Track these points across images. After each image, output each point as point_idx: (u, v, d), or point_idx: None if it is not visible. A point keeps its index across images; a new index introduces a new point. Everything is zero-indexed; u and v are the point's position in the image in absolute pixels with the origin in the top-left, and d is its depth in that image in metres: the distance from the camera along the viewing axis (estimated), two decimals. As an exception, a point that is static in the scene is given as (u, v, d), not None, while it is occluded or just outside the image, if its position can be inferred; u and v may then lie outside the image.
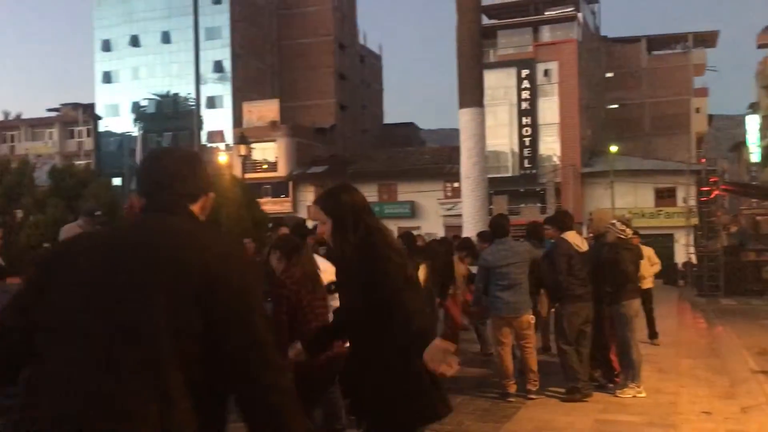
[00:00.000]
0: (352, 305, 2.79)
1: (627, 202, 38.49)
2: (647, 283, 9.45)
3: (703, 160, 44.33)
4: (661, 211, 39.92)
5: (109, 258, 1.63)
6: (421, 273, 6.94)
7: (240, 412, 1.61)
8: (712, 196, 21.90)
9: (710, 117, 58.58)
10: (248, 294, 1.64)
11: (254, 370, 1.59)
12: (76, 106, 55.31)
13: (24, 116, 57.32)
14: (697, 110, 52.53)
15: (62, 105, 57.50)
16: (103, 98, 54.27)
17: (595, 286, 6.62)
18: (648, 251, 9.72)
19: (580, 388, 6.41)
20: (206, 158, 41.95)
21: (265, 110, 48.64)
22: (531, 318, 6.60)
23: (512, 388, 6.52)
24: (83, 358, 1.53)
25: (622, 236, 6.73)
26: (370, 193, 43.68)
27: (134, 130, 50.25)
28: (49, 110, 58.85)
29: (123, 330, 1.54)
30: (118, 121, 53.23)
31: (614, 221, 7.01)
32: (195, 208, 1.81)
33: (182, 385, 1.54)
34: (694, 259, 25.99)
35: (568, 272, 6.41)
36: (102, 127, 54.05)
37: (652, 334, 10.02)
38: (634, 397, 6.50)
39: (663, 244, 33.98)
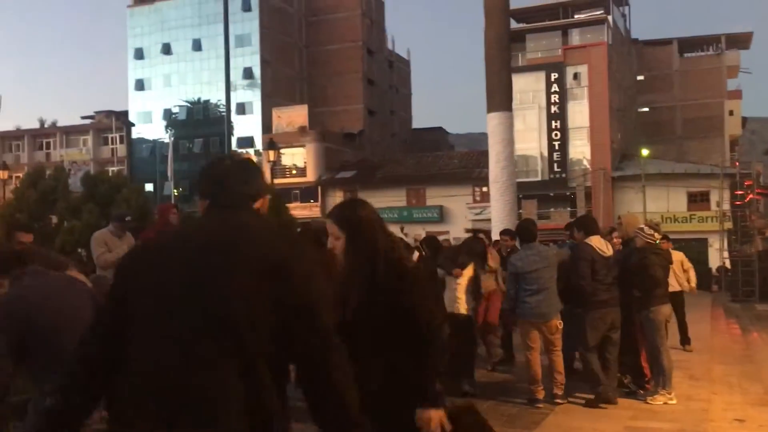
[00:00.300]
0: (372, 320, 2.66)
1: (659, 206, 37.96)
2: (677, 287, 9.29)
3: (737, 164, 43.46)
4: (694, 215, 39.27)
5: (189, 254, 1.76)
6: (469, 271, 7.06)
7: (303, 388, 1.76)
8: (747, 199, 21.50)
9: (744, 119, 57.55)
10: (312, 281, 1.78)
11: (318, 352, 1.74)
12: (109, 113, 56.33)
13: (59, 124, 58.51)
14: (731, 113, 51.63)
15: (96, 112, 58.61)
16: (135, 105, 55.17)
17: (623, 291, 6.57)
18: (678, 256, 9.58)
19: (602, 395, 6.36)
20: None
21: (294, 116, 48.99)
22: (559, 323, 6.56)
23: (540, 394, 6.49)
24: (172, 351, 1.66)
25: (650, 240, 6.66)
26: (398, 197, 43.76)
27: (166, 137, 50.95)
28: (84, 118, 60.08)
29: (208, 320, 1.66)
30: (150, 128, 54.04)
31: (642, 226, 6.96)
32: (255, 206, 1.97)
33: (265, 370, 1.69)
34: (728, 264, 25.54)
35: (592, 277, 6.37)
36: (135, 134, 54.92)
37: (684, 340, 9.87)
38: (665, 404, 6.42)
39: (696, 249, 33.44)
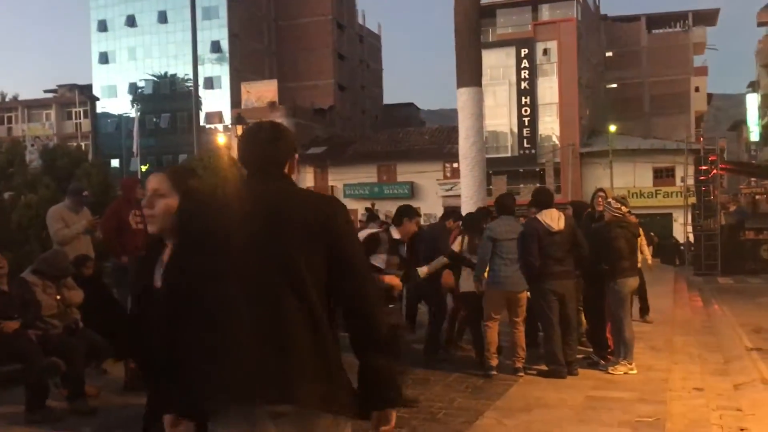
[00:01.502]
0: None
1: (626, 181, 38.44)
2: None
3: (702, 140, 44.19)
4: (659, 190, 39.88)
5: (248, 215, 2.03)
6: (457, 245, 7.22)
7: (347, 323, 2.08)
8: (711, 175, 21.84)
9: (710, 96, 58.32)
10: (351, 233, 2.16)
11: (359, 289, 2.06)
12: (73, 87, 55.09)
13: (21, 97, 57.14)
14: (697, 89, 52.29)
15: (59, 86, 57.28)
16: (100, 79, 54.03)
17: (593, 263, 6.71)
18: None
19: (554, 372, 6.49)
20: (204, 139, 41.85)
21: (263, 91, 48.44)
22: (528, 295, 6.66)
23: (495, 361, 6.59)
24: (257, 308, 1.94)
25: (617, 214, 6.75)
26: (369, 173, 43.68)
27: (132, 112, 50.06)
28: (47, 91, 58.65)
29: (285, 279, 1.96)
30: (115, 102, 53.03)
31: (609, 200, 7.02)
32: (286, 169, 2.21)
33: (324, 313, 2.00)
34: (692, 238, 25.99)
35: (540, 252, 6.46)
36: (99, 108, 53.86)
37: (644, 310, 10.01)
38: (626, 374, 6.53)
39: (661, 224, 34.03)
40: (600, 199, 7.32)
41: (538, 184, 39.88)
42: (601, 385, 6.23)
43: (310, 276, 1.97)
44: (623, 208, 6.84)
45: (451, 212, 8.79)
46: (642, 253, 9.22)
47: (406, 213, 6.34)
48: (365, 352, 2.05)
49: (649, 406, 5.49)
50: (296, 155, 2.29)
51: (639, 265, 8.76)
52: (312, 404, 1.93)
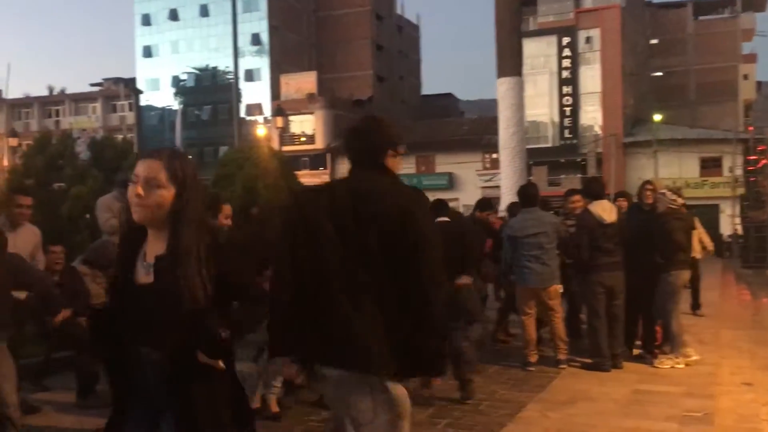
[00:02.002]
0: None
1: (671, 172, 37.63)
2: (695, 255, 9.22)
3: (751, 129, 42.99)
4: (706, 181, 38.93)
5: (340, 204, 2.44)
6: None
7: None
8: (760, 165, 21.22)
9: (759, 84, 56.71)
10: (427, 225, 2.50)
11: (427, 276, 2.42)
12: (117, 80, 56.17)
13: (68, 91, 58.43)
14: (745, 77, 50.83)
15: (104, 80, 58.45)
16: (143, 72, 54.97)
17: (644, 256, 6.52)
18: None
19: (598, 365, 6.39)
20: (244, 131, 42.22)
21: (302, 82, 48.68)
22: (559, 287, 6.53)
23: (533, 358, 6.51)
24: (343, 279, 2.39)
25: (672, 205, 6.57)
26: (407, 164, 43.61)
27: (174, 104, 50.86)
28: (92, 85, 59.93)
29: (359, 255, 2.37)
30: (158, 95, 53.91)
31: (664, 191, 6.82)
32: (386, 161, 2.51)
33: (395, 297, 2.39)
34: (740, 230, 25.35)
35: (590, 244, 6.32)
36: (143, 101, 54.80)
37: (695, 305, 9.84)
38: (672, 368, 6.41)
39: (708, 215, 33.24)
40: (648, 192, 7.01)
41: (579, 175, 39.35)
42: (646, 379, 6.13)
43: (384, 265, 2.38)
44: (679, 200, 6.65)
45: (486, 203, 8.24)
46: (703, 243, 9.05)
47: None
48: (417, 335, 2.42)
49: (696, 401, 5.38)
50: (393, 149, 2.53)
51: (699, 256, 8.58)
52: (362, 367, 2.39)
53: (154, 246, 2.21)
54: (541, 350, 6.82)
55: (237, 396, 2.26)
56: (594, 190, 6.76)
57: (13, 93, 64.13)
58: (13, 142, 32.53)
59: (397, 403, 2.46)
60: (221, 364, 2.13)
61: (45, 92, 58.94)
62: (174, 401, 2.15)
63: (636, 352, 6.88)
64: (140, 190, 2.14)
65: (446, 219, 5.87)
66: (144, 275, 2.21)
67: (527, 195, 6.65)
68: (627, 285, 6.56)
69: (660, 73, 47.45)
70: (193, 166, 2.30)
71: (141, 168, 2.20)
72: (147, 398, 2.21)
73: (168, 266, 2.14)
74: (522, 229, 6.42)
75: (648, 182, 7.22)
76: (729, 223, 36.04)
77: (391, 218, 2.38)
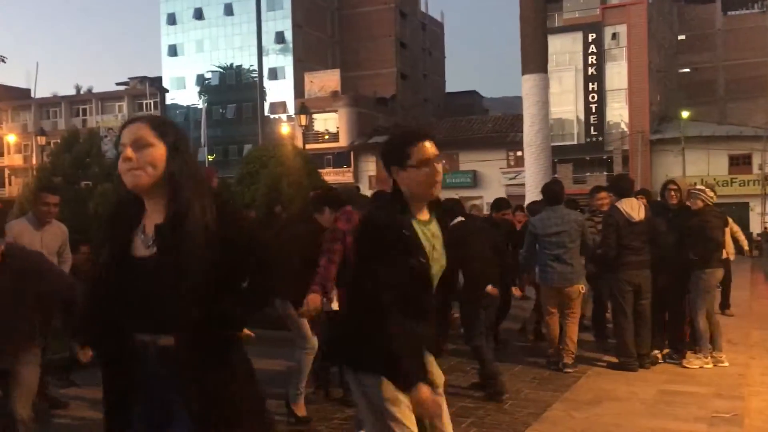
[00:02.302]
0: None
1: (699, 169, 37.09)
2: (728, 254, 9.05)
3: (782, 125, 42.16)
4: (735, 179, 38.30)
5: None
6: None
7: None
8: (791, 162, 20.80)
9: (790, 80, 55.50)
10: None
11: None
12: (143, 79, 56.72)
13: (94, 90, 59.18)
14: (776, 73, 49.83)
15: (130, 78, 59.06)
16: (169, 71, 55.46)
17: (679, 254, 6.41)
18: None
19: (625, 365, 6.31)
20: (268, 129, 42.35)
21: (326, 80, 48.78)
22: (582, 287, 6.45)
23: (569, 359, 6.40)
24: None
25: (710, 202, 6.43)
26: (431, 162, 43.44)
27: (199, 103, 51.26)
28: (118, 84, 60.63)
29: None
30: (183, 93, 54.36)
31: (702, 187, 6.70)
32: (398, 178, 2.55)
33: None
34: (769, 229, 24.93)
35: (617, 242, 6.25)
36: (168, 99, 55.31)
37: (725, 305, 9.68)
38: (701, 368, 6.30)
39: (737, 213, 32.69)
40: (672, 192, 6.76)
41: (605, 173, 38.94)
42: (674, 379, 6.04)
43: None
44: (714, 197, 6.54)
45: (502, 203, 7.86)
46: (739, 242, 8.89)
47: (328, 201, 4.94)
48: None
49: (725, 402, 5.29)
50: (398, 164, 2.54)
51: (732, 257, 8.43)
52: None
53: (153, 216, 2.01)
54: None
55: (254, 390, 2.06)
56: (622, 187, 6.66)
57: (41, 92, 65.17)
58: (42, 140, 33.06)
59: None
60: (247, 331, 1.99)
61: (72, 91, 59.81)
62: (188, 396, 1.91)
63: (665, 351, 6.72)
64: (129, 153, 1.96)
65: (462, 219, 5.95)
66: (144, 249, 1.99)
67: (552, 192, 6.56)
68: (654, 284, 6.46)
69: (688, 70, 46.73)
70: (180, 129, 2.13)
71: (126, 134, 2.01)
72: (151, 395, 1.98)
73: (171, 235, 1.92)
74: (545, 227, 6.35)
75: (671, 181, 6.99)
76: (758, 221, 35.44)
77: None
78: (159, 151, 1.98)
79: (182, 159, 2.01)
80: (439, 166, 2.56)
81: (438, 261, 2.56)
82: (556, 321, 6.52)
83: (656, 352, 6.59)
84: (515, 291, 6.88)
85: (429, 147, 2.55)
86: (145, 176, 1.97)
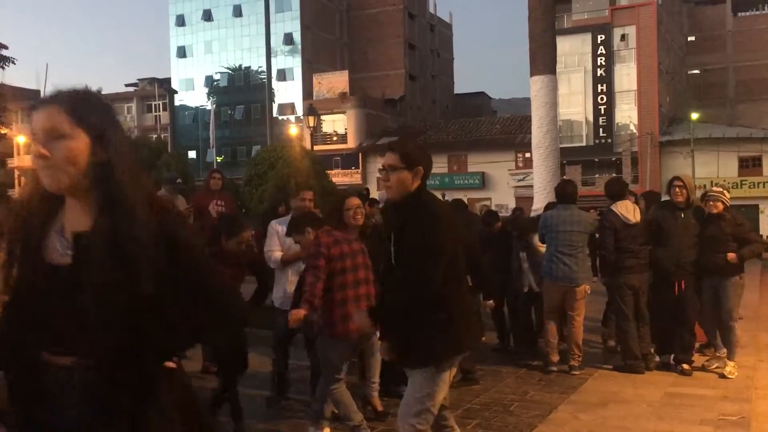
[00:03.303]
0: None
1: (708, 171, 36.92)
2: None
3: (793, 127, 41.89)
4: (745, 180, 38.09)
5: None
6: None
7: None
8: (802, 164, 20.66)
9: (801, 81, 55.14)
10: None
11: None
12: (152, 80, 56.93)
13: (104, 91, 59.43)
14: (787, 74, 49.52)
15: (139, 80, 59.30)
16: (178, 72, 55.64)
17: (703, 257, 6.19)
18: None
19: (630, 367, 6.28)
20: (276, 130, 42.46)
21: (334, 82, 48.82)
22: (587, 288, 6.44)
23: (555, 358, 6.41)
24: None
25: (728, 204, 6.28)
26: (440, 163, 43.44)
27: (208, 104, 51.40)
28: (128, 85, 60.88)
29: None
30: (192, 95, 54.54)
31: (720, 188, 6.49)
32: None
33: None
34: (779, 231, 24.80)
35: (615, 245, 6.22)
36: (177, 101, 55.50)
37: None
38: (718, 370, 6.21)
39: (747, 216, 32.42)
40: (677, 189, 6.32)
41: (614, 174, 38.81)
42: (681, 382, 6.02)
43: None
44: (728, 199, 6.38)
45: (494, 217, 7.66)
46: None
47: (310, 222, 4.82)
48: None
49: (733, 405, 5.27)
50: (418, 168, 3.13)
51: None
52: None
53: (74, 216, 1.65)
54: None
55: (192, 408, 1.74)
56: (616, 190, 6.63)
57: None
58: (52, 141, 33.11)
59: None
60: (173, 363, 1.65)
61: (82, 92, 60.00)
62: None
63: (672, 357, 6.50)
64: (42, 149, 1.59)
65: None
66: (60, 255, 1.62)
67: (565, 193, 6.58)
68: (661, 289, 6.34)
69: (697, 71, 46.56)
70: (108, 106, 1.75)
71: (36, 120, 1.63)
72: (63, 428, 1.59)
73: (93, 243, 1.55)
74: (557, 224, 6.36)
75: (677, 178, 6.49)
76: (768, 223, 35.22)
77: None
78: (78, 143, 1.60)
79: (112, 149, 1.63)
80: (388, 176, 3.10)
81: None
82: (555, 324, 6.48)
83: (664, 356, 6.46)
84: (488, 304, 6.42)
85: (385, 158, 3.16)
86: (65, 177, 1.59)
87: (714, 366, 6.32)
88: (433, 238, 2.96)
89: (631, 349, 6.32)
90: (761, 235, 6.93)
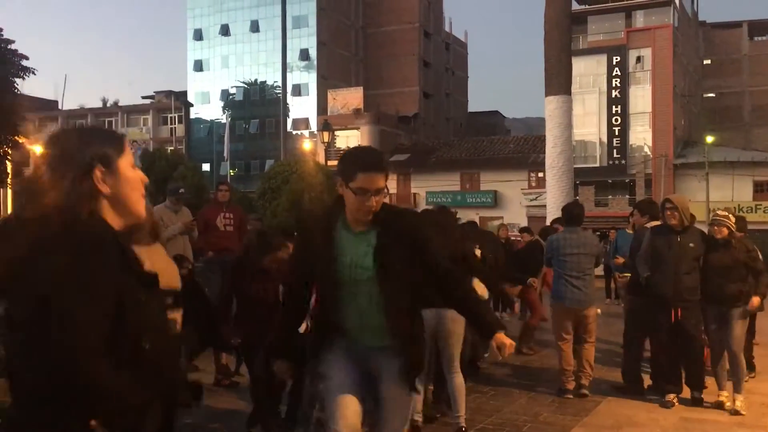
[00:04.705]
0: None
1: (723, 195, 36.69)
2: None
3: (809, 152, 41.64)
4: (760, 205, 37.81)
5: None
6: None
7: None
8: (818, 190, 20.49)
9: (817, 106, 54.87)
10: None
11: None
12: (169, 93, 57.48)
13: (121, 103, 60.05)
14: (803, 99, 49.33)
15: (156, 92, 59.90)
16: (194, 86, 56.15)
17: (712, 285, 5.82)
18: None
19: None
20: (290, 145, 42.71)
21: (349, 98, 49.08)
22: (598, 310, 6.41)
23: (570, 385, 6.25)
24: None
25: (733, 229, 5.86)
26: (452, 181, 43.49)
27: (223, 118, 51.78)
28: (144, 98, 61.50)
29: None
30: (208, 108, 54.97)
31: (726, 213, 6.05)
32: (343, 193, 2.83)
33: None
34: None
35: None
36: (193, 114, 55.96)
37: (751, 334, 9.43)
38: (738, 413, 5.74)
39: (762, 240, 32.19)
40: (668, 212, 5.95)
41: (627, 196, 38.65)
42: (696, 407, 5.93)
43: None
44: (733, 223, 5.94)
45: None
46: None
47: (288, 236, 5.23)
48: None
49: (748, 431, 5.19)
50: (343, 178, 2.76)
51: None
52: None
53: None
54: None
55: None
56: (654, 210, 6.71)
57: (69, 104, 66.11)
58: (69, 151, 33.47)
59: None
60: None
61: (99, 104, 60.75)
62: None
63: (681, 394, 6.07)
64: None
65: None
66: None
67: (571, 214, 6.53)
68: (658, 317, 6.02)
69: (713, 94, 46.45)
70: None
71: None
72: None
73: None
74: (563, 247, 6.31)
75: (667, 200, 6.12)
76: (784, 249, 34.88)
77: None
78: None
79: None
80: (375, 199, 2.69)
81: (361, 266, 2.76)
82: (569, 347, 6.35)
83: (671, 396, 5.96)
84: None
85: (373, 179, 2.69)
86: None
87: (726, 404, 5.86)
88: None
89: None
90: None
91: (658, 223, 6.37)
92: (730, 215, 6.00)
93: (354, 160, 2.77)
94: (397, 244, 2.75)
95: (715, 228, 5.91)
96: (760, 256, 6.12)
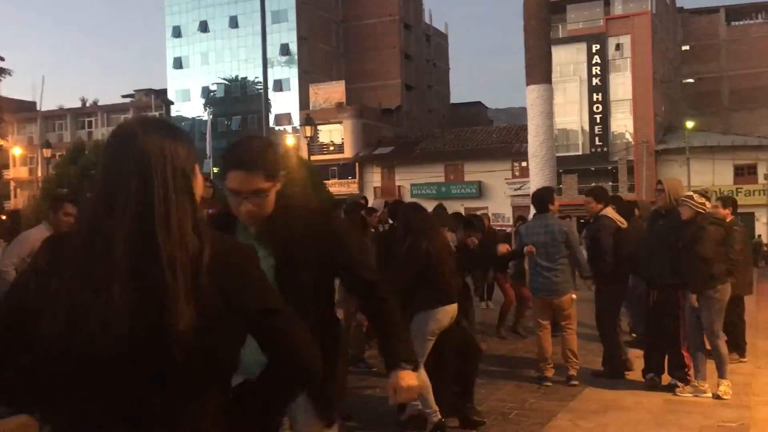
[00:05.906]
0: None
1: (704, 180, 37.04)
2: None
3: (788, 135, 42.13)
4: (740, 188, 38.22)
5: None
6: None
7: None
8: (797, 172, 20.80)
9: (795, 89, 55.49)
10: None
11: None
12: (149, 92, 57.06)
13: (100, 102, 59.51)
14: (781, 82, 49.85)
15: (136, 91, 59.44)
16: (174, 84, 55.74)
17: (675, 269, 5.71)
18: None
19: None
20: (273, 140, 42.71)
21: (331, 92, 48.97)
22: (573, 296, 6.34)
23: (550, 372, 6.27)
24: None
25: (701, 209, 5.63)
26: (436, 173, 43.58)
27: (204, 115, 51.47)
28: (124, 96, 61.01)
29: None
30: (189, 105, 54.61)
31: (690, 193, 5.93)
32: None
33: None
34: (776, 239, 24.86)
35: (613, 251, 6.12)
36: (174, 112, 55.55)
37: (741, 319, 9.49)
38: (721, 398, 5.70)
39: (743, 224, 32.58)
40: (658, 193, 5.96)
41: (611, 183, 38.93)
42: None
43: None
44: (707, 203, 5.77)
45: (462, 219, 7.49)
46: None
47: None
48: None
49: (732, 411, 5.27)
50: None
51: None
52: None
53: None
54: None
55: None
56: (607, 197, 6.81)
57: (47, 105, 65.47)
58: (47, 152, 33.10)
59: None
60: None
61: (78, 104, 60.14)
62: None
63: (666, 380, 6.08)
64: None
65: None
66: None
67: (538, 200, 6.44)
68: (646, 304, 6.07)
69: (692, 80, 46.83)
70: None
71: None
72: None
73: None
74: (528, 236, 6.27)
75: (658, 181, 6.07)
76: (765, 231, 35.35)
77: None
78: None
79: None
80: (251, 203, 2.17)
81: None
82: (547, 335, 6.34)
83: (651, 375, 6.03)
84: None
85: (244, 179, 2.17)
86: None
87: (704, 394, 5.71)
88: None
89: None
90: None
91: (611, 210, 6.41)
92: (694, 195, 5.78)
93: (225, 154, 2.28)
94: (301, 261, 2.22)
95: (681, 209, 5.74)
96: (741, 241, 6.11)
